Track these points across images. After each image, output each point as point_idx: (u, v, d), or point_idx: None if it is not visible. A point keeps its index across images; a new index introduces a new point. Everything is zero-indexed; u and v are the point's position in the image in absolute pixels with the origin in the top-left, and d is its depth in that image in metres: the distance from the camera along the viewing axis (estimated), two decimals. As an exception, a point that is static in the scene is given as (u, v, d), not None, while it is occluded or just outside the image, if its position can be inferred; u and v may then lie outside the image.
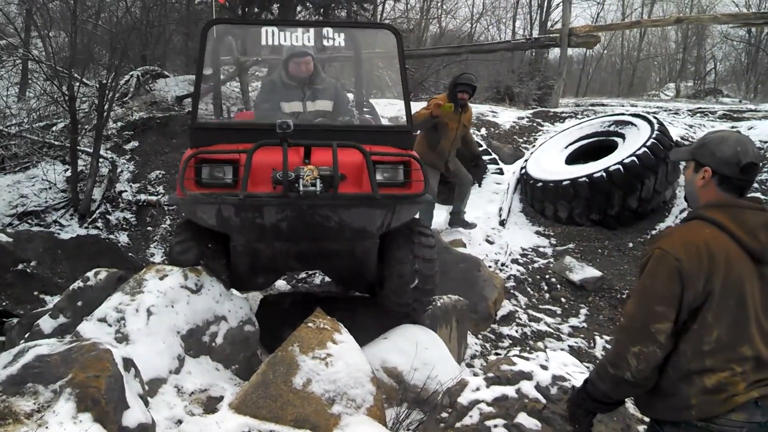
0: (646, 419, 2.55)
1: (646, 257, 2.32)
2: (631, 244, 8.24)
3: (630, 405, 3.53)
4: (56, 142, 11.10)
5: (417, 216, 4.74)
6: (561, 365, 3.50)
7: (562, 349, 5.97)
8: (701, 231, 2.27)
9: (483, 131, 11.59)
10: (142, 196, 10.44)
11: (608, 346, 6.19)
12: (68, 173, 10.36)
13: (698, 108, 12.80)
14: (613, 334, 2.36)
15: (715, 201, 2.33)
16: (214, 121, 5.07)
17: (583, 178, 8.28)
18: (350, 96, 5.44)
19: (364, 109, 5.63)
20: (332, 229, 4.03)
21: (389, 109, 9.77)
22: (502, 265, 7.74)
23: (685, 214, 8.38)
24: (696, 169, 2.40)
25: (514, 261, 7.89)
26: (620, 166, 8.14)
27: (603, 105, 14.28)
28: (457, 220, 8.05)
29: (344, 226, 4.04)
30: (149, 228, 9.90)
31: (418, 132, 7.43)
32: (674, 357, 2.26)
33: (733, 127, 10.52)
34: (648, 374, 2.27)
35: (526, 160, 9.57)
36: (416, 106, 8.55)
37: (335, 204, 3.89)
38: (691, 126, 10.92)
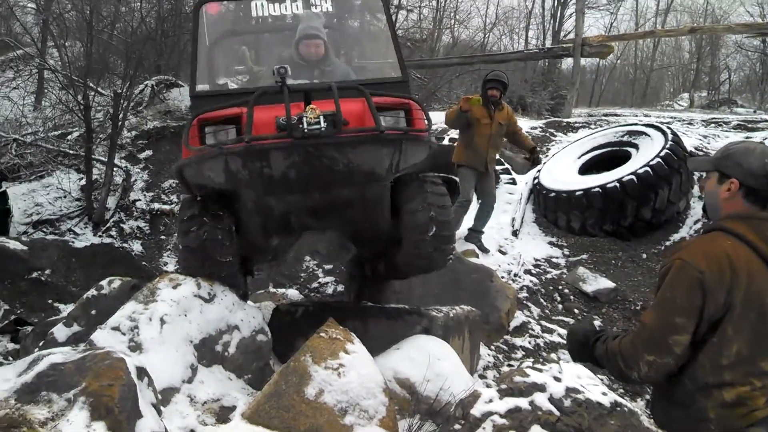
0: (662, 432, 2.53)
1: (666, 267, 2.28)
2: (645, 255, 8.20)
3: (644, 418, 3.50)
4: (71, 151, 11.21)
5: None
6: (575, 377, 3.48)
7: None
8: (722, 243, 2.23)
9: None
10: (156, 205, 10.52)
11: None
12: (83, 182, 10.45)
13: (712, 118, 12.76)
14: (630, 336, 2.32)
15: (738, 213, 2.30)
16: (213, 88, 4.99)
17: (597, 189, 8.25)
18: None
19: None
20: (341, 173, 3.96)
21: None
22: (515, 275, 7.71)
23: (699, 225, 8.34)
24: (720, 180, 2.35)
25: (527, 271, 7.86)
26: (634, 177, 8.11)
27: (616, 115, 14.26)
28: (473, 238, 8.02)
29: (352, 169, 3.97)
30: (162, 237, 9.96)
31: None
32: (691, 368, 2.23)
33: (747, 137, 10.47)
34: (655, 380, 2.27)
35: (539, 170, 9.55)
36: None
37: (341, 142, 3.83)
38: (705, 136, 10.87)
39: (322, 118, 3.73)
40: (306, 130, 3.70)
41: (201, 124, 4.01)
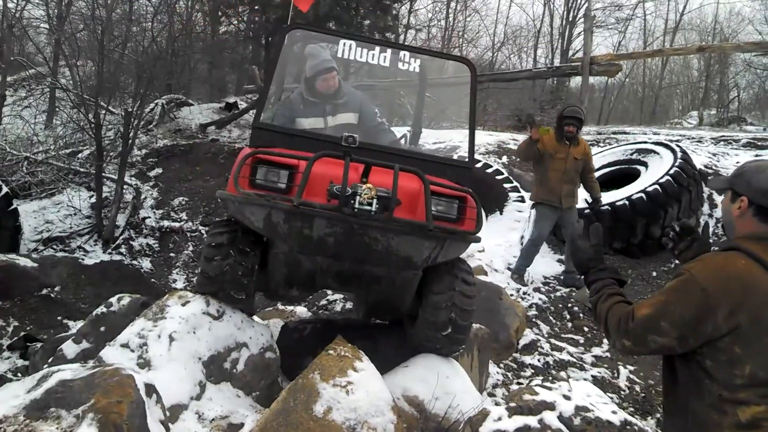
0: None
1: (676, 273, 2.31)
2: (654, 273, 8.16)
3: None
4: (82, 169, 11.30)
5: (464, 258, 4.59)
6: (584, 395, 3.46)
7: (585, 379, 5.89)
8: (736, 262, 2.22)
9: (504, 159, 11.60)
10: (165, 223, 10.56)
11: (632, 376, 6.12)
12: (93, 199, 10.52)
13: (722, 136, 12.72)
14: (618, 314, 2.37)
15: (754, 233, 2.30)
16: (276, 123, 4.86)
17: (606, 207, 8.23)
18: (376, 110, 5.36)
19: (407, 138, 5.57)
20: (378, 253, 3.94)
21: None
22: (524, 293, 7.68)
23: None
24: (732, 198, 2.37)
25: (536, 289, 7.83)
26: (643, 195, 8.08)
27: (625, 133, 14.24)
28: (570, 279, 7.88)
29: (390, 252, 3.94)
30: (172, 254, 9.99)
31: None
32: (706, 383, 2.21)
33: (757, 155, 10.45)
34: (623, 354, 2.36)
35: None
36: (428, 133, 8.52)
37: (387, 227, 3.80)
38: (714, 154, 10.83)
39: (375, 200, 3.70)
40: (356, 209, 3.68)
41: (255, 165, 3.96)
